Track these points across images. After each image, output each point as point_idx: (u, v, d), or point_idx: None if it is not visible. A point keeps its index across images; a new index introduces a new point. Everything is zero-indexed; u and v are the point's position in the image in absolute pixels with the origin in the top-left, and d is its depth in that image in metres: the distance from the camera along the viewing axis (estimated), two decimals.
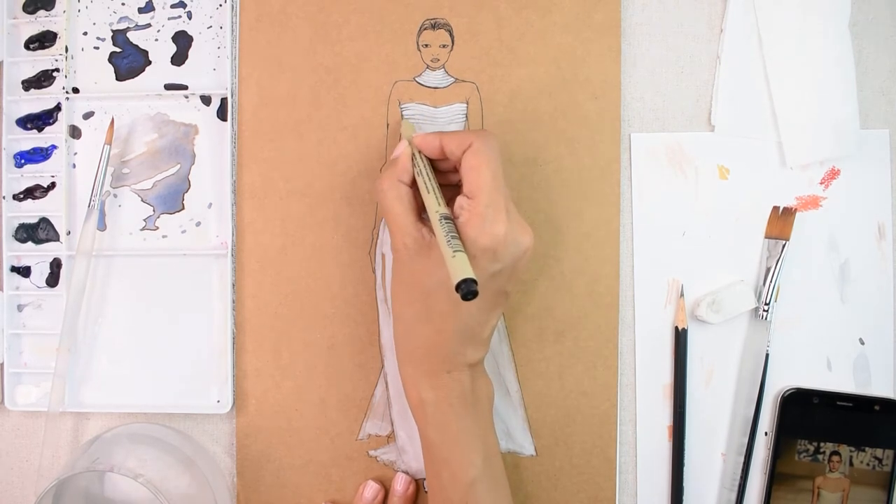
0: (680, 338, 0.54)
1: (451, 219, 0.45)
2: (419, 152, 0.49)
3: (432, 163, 0.49)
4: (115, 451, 0.53)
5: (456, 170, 0.48)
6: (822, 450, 0.53)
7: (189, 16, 0.56)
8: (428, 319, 0.47)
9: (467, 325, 0.47)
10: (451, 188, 0.49)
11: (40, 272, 0.57)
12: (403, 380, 0.50)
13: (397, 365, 0.50)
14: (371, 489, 0.54)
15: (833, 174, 0.54)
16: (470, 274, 0.41)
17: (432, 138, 0.48)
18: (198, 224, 0.56)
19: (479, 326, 0.48)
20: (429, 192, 0.46)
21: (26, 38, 0.57)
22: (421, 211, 0.48)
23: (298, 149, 0.55)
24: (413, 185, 0.48)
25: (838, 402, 0.53)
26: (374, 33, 0.55)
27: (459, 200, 0.46)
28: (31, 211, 0.57)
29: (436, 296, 0.46)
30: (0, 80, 0.56)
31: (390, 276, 0.55)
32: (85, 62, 0.57)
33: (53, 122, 0.56)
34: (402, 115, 0.55)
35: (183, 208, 0.56)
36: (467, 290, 0.40)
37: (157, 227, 0.56)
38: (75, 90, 0.57)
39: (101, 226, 0.56)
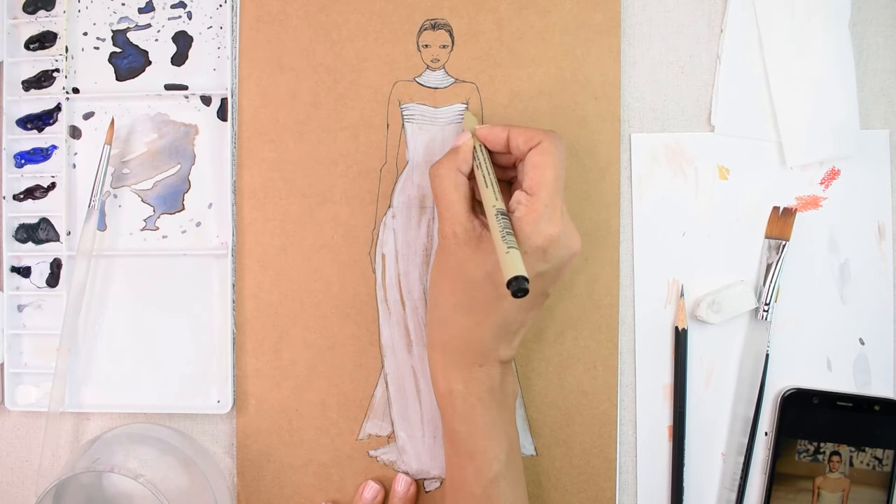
0: (680, 338, 0.54)
1: (507, 215, 0.45)
2: (481, 145, 0.49)
3: (491, 156, 0.49)
4: (115, 452, 0.53)
5: (513, 165, 0.49)
6: (822, 450, 0.53)
7: (189, 16, 0.56)
8: (468, 310, 0.47)
9: (506, 321, 0.47)
10: (502, 183, 0.49)
11: (40, 272, 0.57)
12: (432, 368, 0.50)
13: (426, 352, 0.50)
14: (371, 489, 0.54)
15: (833, 174, 0.54)
16: (523, 271, 0.41)
17: (499, 131, 0.48)
18: (198, 224, 0.56)
19: (516, 324, 0.48)
20: (487, 187, 0.46)
21: (26, 38, 0.57)
22: (473, 202, 0.49)
23: (298, 149, 0.55)
24: (470, 176, 0.48)
25: (838, 403, 0.53)
26: (375, 33, 0.55)
27: (518, 196, 0.46)
28: (31, 211, 0.57)
29: (480, 288, 0.46)
30: (0, 80, 0.56)
31: (391, 275, 0.55)
32: (85, 62, 0.57)
33: (53, 122, 0.56)
34: (402, 114, 0.55)
35: (183, 208, 0.56)
36: (518, 287, 0.41)
37: (158, 228, 0.56)
38: (75, 90, 0.57)
39: (102, 226, 0.56)
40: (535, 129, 0.48)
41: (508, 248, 0.42)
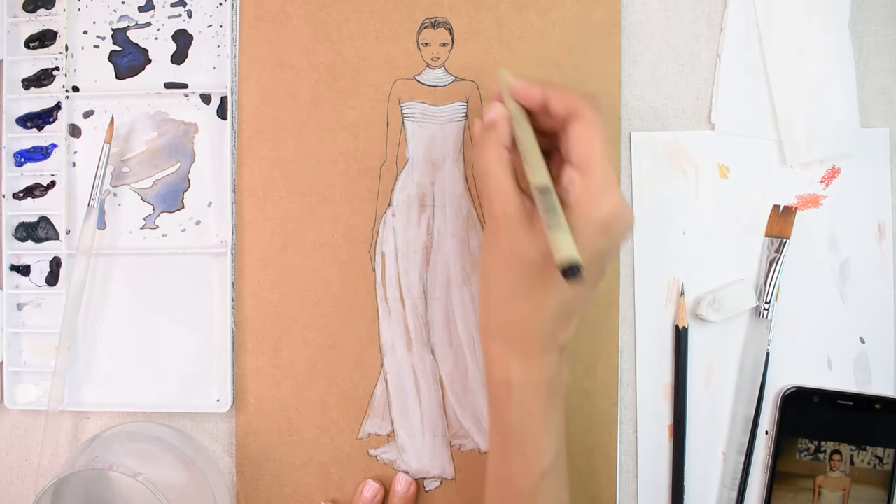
0: (680, 337, 0.54)
1: (552, 189, 0.42)
2: (521, 113, 0.45)
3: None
4: (114, 450, 0.53)
5: (550, 132, 0.45)
6: (822, 449, 0.53)
7: (189, 14, 0.56)
8: (527, 294, 0.44)
9: (566, 303, 0.44)
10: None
11: (40, 271, 0.57)
12: (488, 357, 0.47)
13: (480, 341, 0.48)
14: (371, 488, 0.54)
15: (833, 173, 0.54)
16: (575, 254, 0.39)
17: (535, 89, 0.45)
18: (198, 223, 0.56)
19: (576, 305, 0.45)
20: (532, 161, 0.43)
21: (26, 36, 0.57)
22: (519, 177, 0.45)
23: (298, 147, 0.55)
24: (511, 149, 0.45)
25: (839, 401, 0.53)
26: (375, 32, 0.55)
27: (569, 173, 0.43)
28: (30, 209, 0.57)
29: (538, 269, 0.43)
30: (0, 78, 0.56)
31: (391, 274, 0.55)
32: (85, 61, 0.57)
33: (53, 120, 0.56)
34: (402, 113, 0.55)
35: (183, 207, 0.56)
36: (571, 271, 0.38)
37: (157, 226, 0.56)
38: (75, 89, 0.57)
39: (101, 224, 0.56)
40: (573, 94, 0.44)
41: (558, 228, 0.40)
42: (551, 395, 0.46)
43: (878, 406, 0.53)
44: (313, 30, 0.55)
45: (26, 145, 0.57)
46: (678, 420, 0.54)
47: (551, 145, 0.46)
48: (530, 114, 0.46)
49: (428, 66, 0.55)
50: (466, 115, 0.54)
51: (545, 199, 0.41)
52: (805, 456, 0.53)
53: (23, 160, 0.57)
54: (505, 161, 0.45)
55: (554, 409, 0.46)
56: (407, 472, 0.55)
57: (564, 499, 0.48)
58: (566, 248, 0.39)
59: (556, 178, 0.43)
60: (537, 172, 0.43)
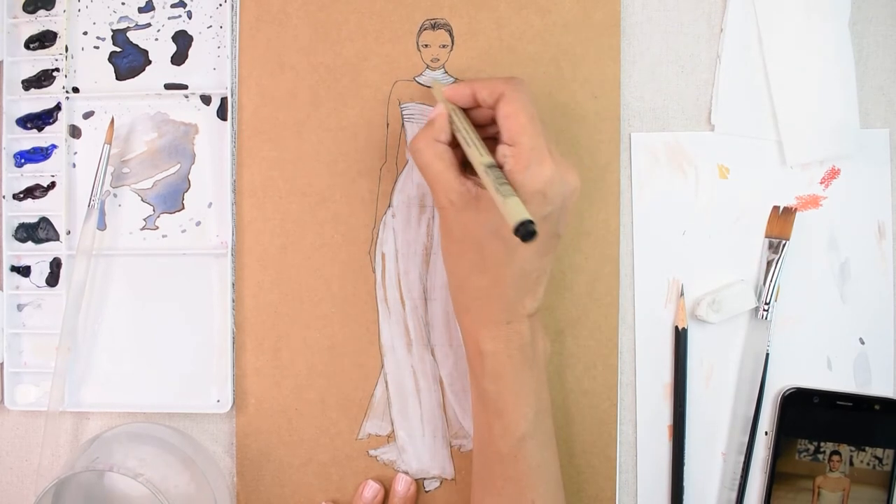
0: (680, 337, 0.54)
1: (496, 166, 0.44)
2: (455, 109, 0.48)
3: (469, 118, 0.48)
4: (114, 451, 0.53)
5: (493, 121, 0.48)
6: (822, 449, 0.53)
7: (189, 15, 0.56)
8: (483, 270, 0.47)
9: (523, 271, 0.47)
10: (488, 140, 0.48)
11: (40, 272, 0.57)
12: (462, 331, 0.50)
13: (455, 318, 0.50)
14: (371, 489, 0.54)
15: (833, 174, 0.54)
16: (526, 215, 0.40)
17: (464, 87, 0.48)
18: (198, 223, 0.56)
19: (535, 273, 0.47)
20: (470, 145, 0.46)
21: (26, 37, 0.57)
22: (461, 167, 0.48)
23: (298, 148, 0.55)
24: (451, 144, 0.48)
25: (838, 402, 0.53)
26: (375, 33, 0.55)
27: (501, 150, 0.45)
28: (31, 210, 0.57)
29: (489, 245, 0.46)
30: (0, 79, 0.56)
31: (391, 274, 0.55)
32: (85, 62, 0.57)
33: (53, 121, 0.56)
34: (401, 114, 0.55)
35: (183, 208, 0.56)
36: (526, 231, 0.39)
37: (157, 227, 0.56)
38: (75, 90, 0.57)
39: (101, 225, 0.56)
40: (496, 79, 0.47)
41: (506, 196, 0.42)
42: (525, 362, 0.48)
43: (877, 407, 0.53)
44: (313, 30, 0.55)
45: (26, 146, 0.57)
46: (678, 420, 0.54)
47: (494, 139, 0.48)
48: (469, 113, 0.49)
49: (428, 67, 0.55)
50: None
51: (492, 174, 0.43)
52: (804, 456, 0.53)
53: (23, 161, 0.57)
54: (442, 154, 0.47)
55: (529, 376, 0.48)
56: (407, 473, 0.55)
57: (550, 460, 0.50)
58: (517, 212, 0.40)
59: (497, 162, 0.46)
60: (480, 153, 0.45)
